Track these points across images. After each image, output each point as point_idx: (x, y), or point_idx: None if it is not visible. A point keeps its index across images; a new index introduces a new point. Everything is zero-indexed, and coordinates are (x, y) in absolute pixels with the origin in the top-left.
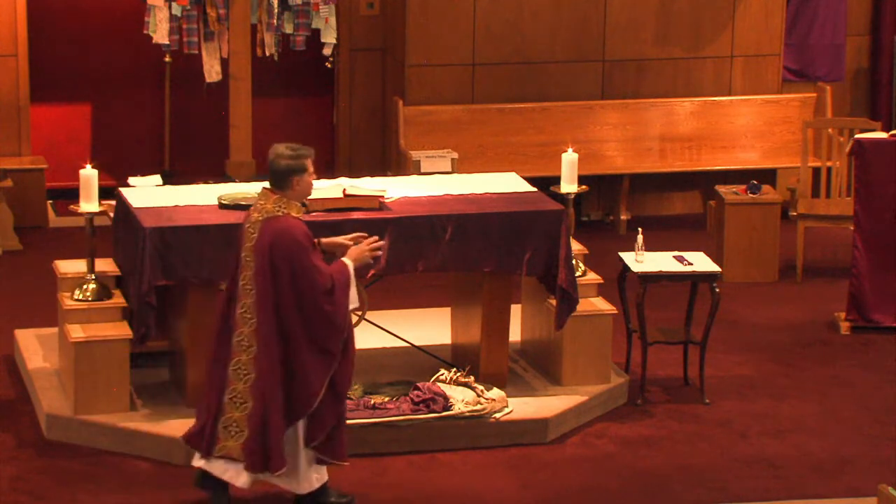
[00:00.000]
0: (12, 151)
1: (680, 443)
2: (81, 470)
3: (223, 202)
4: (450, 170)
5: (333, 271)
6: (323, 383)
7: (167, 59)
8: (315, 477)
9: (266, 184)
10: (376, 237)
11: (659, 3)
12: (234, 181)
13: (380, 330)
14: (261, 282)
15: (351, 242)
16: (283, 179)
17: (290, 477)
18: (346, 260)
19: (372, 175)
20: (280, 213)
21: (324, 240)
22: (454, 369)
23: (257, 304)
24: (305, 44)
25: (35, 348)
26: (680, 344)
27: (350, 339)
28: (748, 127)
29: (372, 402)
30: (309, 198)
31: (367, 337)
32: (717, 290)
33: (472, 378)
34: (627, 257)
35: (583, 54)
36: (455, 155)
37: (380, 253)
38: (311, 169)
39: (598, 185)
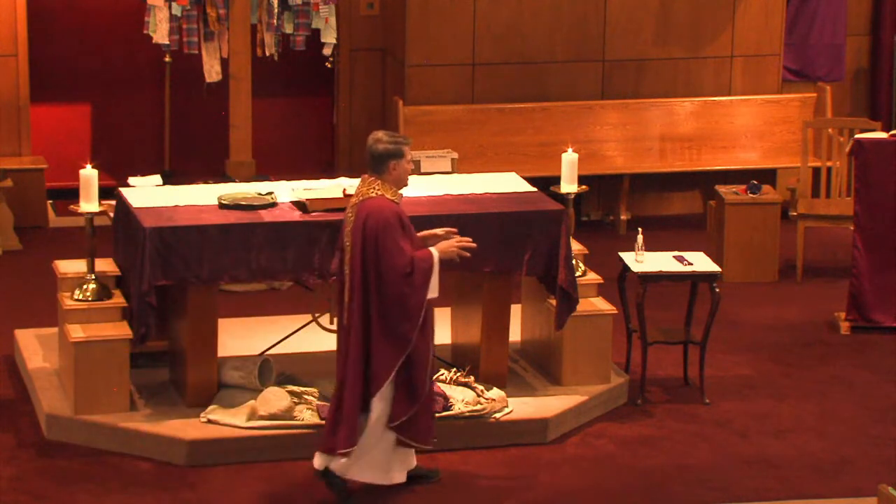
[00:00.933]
0: (12, 151)
1: (680, 443)
2: (81, 470)
3: (223, 202)
4: (450, 170)
5: (417, 256)
6: (391, 368)
7: (167, 59)
8: (397, 469)
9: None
10: (469, 238)
11: (659, 3)
12: (234, 181)
13: None
14: (354, 262)
15: (444, 235)
16: (380, 163)
17: (373, 469)
18: (434, 250)
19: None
20: (374, 195)
21: (420, 233)
22: (454, 369)
23: (351, 285)
24: (305, 44)
25: (35, 348)
26: (680, 344)
27: (428, 327)
28: (748, 127)
29: None
30: (309, 198)
31: None
32: (717, 290)
33: (472, 378)
34: (627, 257)
35: (583, 54)
36: (455, 155)
37: (467, 254)
38: (409, 157)
39: (598, 185)
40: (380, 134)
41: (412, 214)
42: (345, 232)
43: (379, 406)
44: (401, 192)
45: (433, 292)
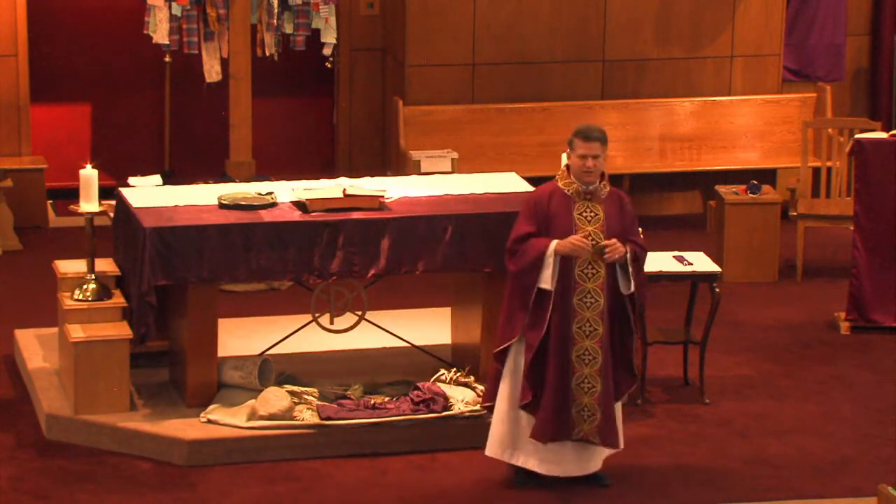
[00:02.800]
0: (12, 151)
1: (680, 443)
2: (81, 470)
3: (223, 202)
4: (450, 170)
5: (533, 240)
6: (496, 350)
7: (167, 59)
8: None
9: None
10: (611, 241)
11: (659, 3)
12: (234, 181)
13: (380, 330)
14: None
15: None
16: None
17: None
18: (553, 241)
19: (372, 175)
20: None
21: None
22: (454, 369)
23: None
24: (305, 44)
25: (35, 348)
26: (680, 344)
27: (540, 319)
28: (748, 127)
29: (372, 402)
30: (309, 198)
31: (367, 336)
32: (717, 290)
33: (472, 378)
34: None
35: (583, 54)
36: (455, 155)
37: (587, 252)
38: (581, 151)
39: None
40: (583, 124)
41: (412, 214)
42: None
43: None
44: (582, 184)
45: (545, 283)
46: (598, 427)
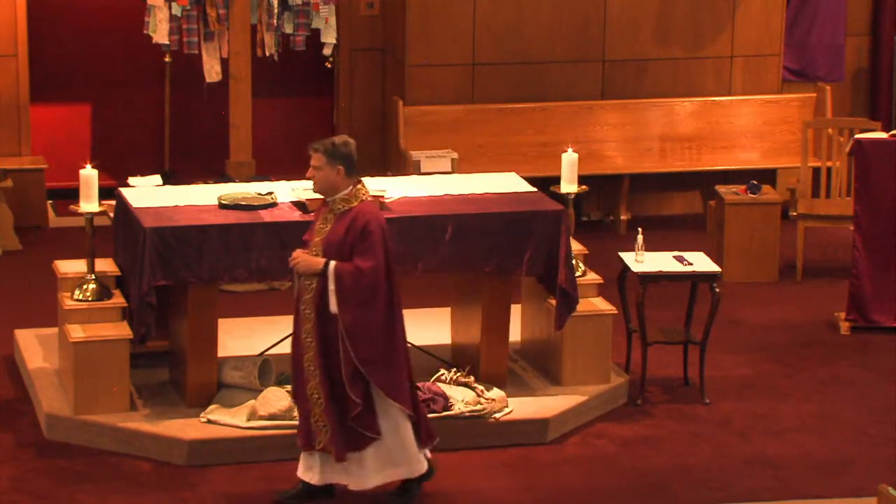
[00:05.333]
0: (12, 151)
1: (680, 443)
2: (81, 470)
3: (223, 202)
4: (450, 170)
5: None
6: None
7: (167, 59)
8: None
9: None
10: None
11: (659, 3)
12: (234, 181)
13: None
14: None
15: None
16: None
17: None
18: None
19: (372, 175)
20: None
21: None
22: (454, 369)
23: None
24: (305, 44)
25: (35, 348)
26: (680, 344)
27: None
28: (748, 127)
29: None
30: (309, 198)
31: None
32: (717, 290)
33: (472, 378)
34: (627, 257)
35: (583, 54)
36: (455, 155)
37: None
38: (314, 163)
39: (598, 185)
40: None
41: (412, 214)
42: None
43: None
44: (327, 197)
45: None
46: (330, 439)
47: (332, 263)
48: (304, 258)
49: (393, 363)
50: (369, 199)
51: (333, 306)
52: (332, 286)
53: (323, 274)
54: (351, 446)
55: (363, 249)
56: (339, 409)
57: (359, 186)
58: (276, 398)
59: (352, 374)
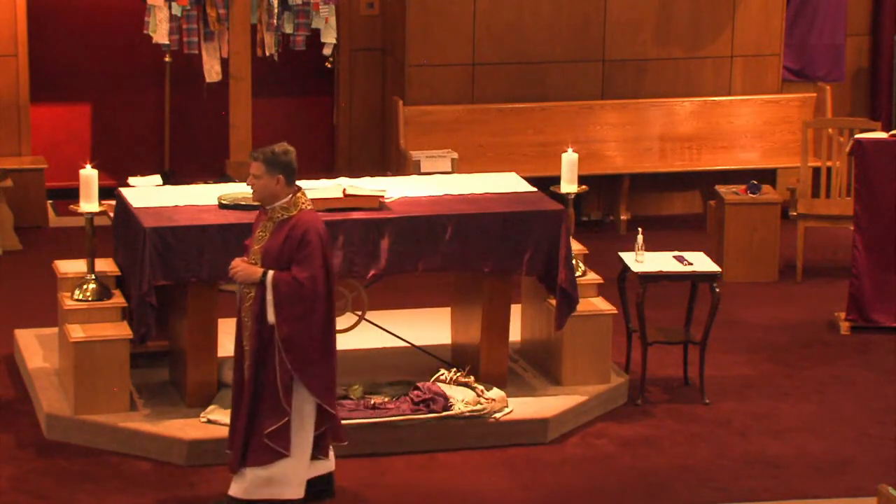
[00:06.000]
0: (12, 151)
1: (680, 443)
2: (81, 470)
3: (223, 202)
4: (450, 170)
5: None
6: None
7: (167, 59)
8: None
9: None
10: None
11: (659, 3)
12: (234, 181)
13: (380, 330)
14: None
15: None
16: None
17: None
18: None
19: (372, 175)
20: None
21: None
22: (454, 369)
23: None
24: (305, 44)
25: (35, 348)
26: (680, 344)
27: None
28: (748, 127)
29: (372, 402)
30: (309, 198)
31: (367, 337)
32: (717, 290)
33: (472, 378)
34: (627, 257)
35: (583, 54)
36: (455, 155)
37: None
38: (253, 171)
39: (598, 185)
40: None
41: (412, 214)
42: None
43: None
44: (266, 205)
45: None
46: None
47: (270, 273)
48: (243, 267)
49: (327, 366)
50: (309, 207)
51: (271, 317)
52: (269, 296)
53: (261, 283)
54: (259, 460)
55: (301, 259)
56: (253, 421)
57: (299, 195)
58: None
59: (286, 385)
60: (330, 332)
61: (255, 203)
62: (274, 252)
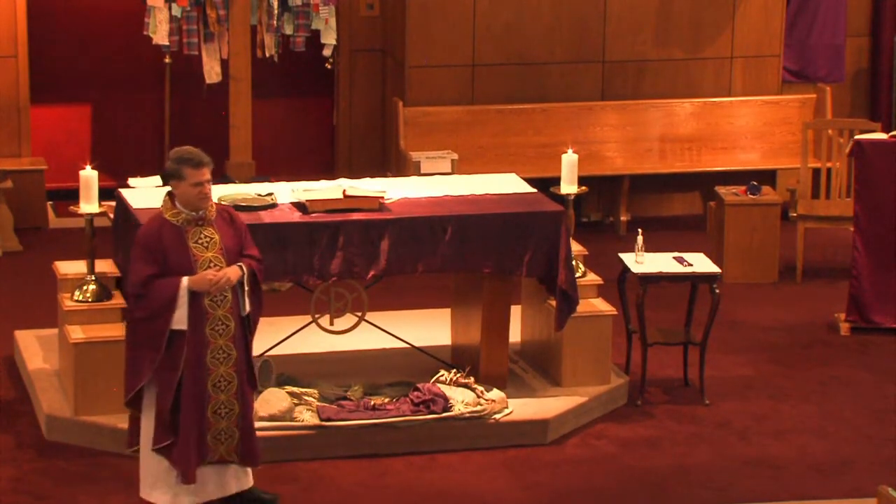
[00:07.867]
0: (12, 152)
1: (680, 444)
2: (81, 471)
3: (223, 203)
4: (450, 171)
5: (155, 283)
6: (129, 391)
7: (167, 59)
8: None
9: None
10: (229, 272)
11: (659, 4)
12: (234, 181)
13: (380, 330)
14: None
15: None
16: (166, 181)
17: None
18: (185, 278)
19: (372, 176)
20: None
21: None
22: (454, 370)
23: None
24: (305, 45)
25: (35, 349)
26: (680, 345)
27: (176, 359)
28: (748, 128)
29: (372, 403)
30: (309, 199)
31: (367, 337)
32: (717, 290)
33: (471, 379)
34: (627, 258)
35: (582, 55)
36: (455, 156)
37: (222, 287)
38: (196, 179)
39: (597, 186)
40: (182, 149)
41: (412, 215)
42: None
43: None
44: (193, 211)
45: (180, 324)
46: (235, 447)
47: (244, 266)
48: (225, 273)
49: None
50: None
51: (247, 306)
52: (248, 287)
53: (241, 278)
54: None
55: (249, 240)
56: (247, 417)
57: None
58: (277, 399)
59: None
60: None
61: (242, 205)
62: (235, 247)
